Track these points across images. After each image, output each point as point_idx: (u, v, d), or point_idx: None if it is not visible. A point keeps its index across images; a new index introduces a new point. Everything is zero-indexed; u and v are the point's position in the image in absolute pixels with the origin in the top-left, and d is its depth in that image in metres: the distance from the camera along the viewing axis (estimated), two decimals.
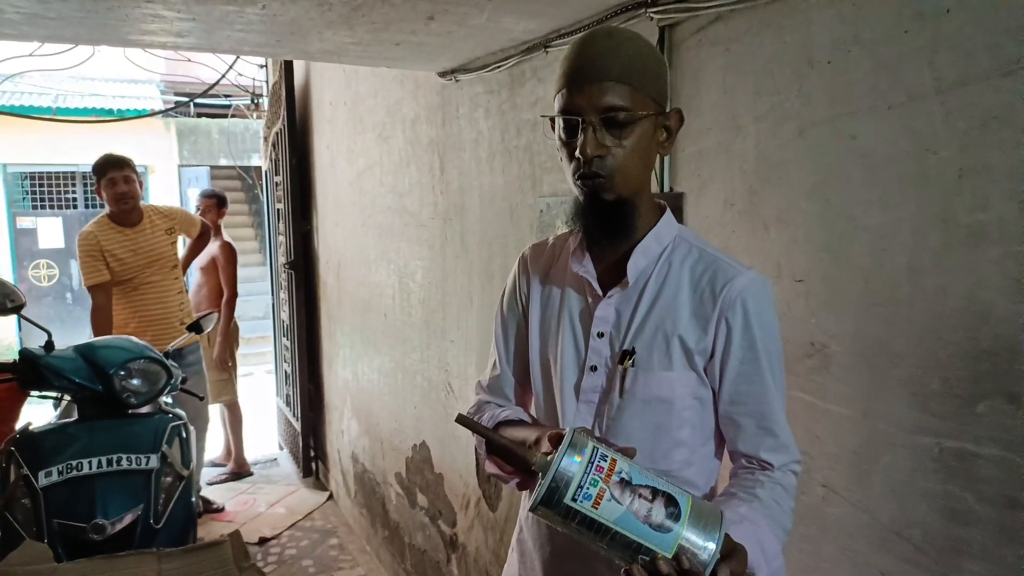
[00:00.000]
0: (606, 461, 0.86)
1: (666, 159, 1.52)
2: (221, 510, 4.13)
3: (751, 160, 1.37)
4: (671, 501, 0.85)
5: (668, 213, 1.16)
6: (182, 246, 4.07)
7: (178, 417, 2.40)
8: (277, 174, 4.85)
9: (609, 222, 1.10)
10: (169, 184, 10.35)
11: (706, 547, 0.83)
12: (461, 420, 1.02)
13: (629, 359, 1.09)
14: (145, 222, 3.56)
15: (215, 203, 4.64)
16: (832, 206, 1.22)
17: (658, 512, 0.84)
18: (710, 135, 1.45)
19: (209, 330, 3.07)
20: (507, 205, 2.22)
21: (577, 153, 1.05)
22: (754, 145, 1.36)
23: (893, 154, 1.13)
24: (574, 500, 0.84)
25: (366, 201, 3.49)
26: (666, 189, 1.52)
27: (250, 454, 4.84)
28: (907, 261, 1.11)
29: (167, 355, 2.48)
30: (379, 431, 3.46)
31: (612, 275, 1.14)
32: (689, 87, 1.49)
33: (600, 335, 1.13)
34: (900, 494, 1.13)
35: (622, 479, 0.85)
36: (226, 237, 4.61)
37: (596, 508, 0.84)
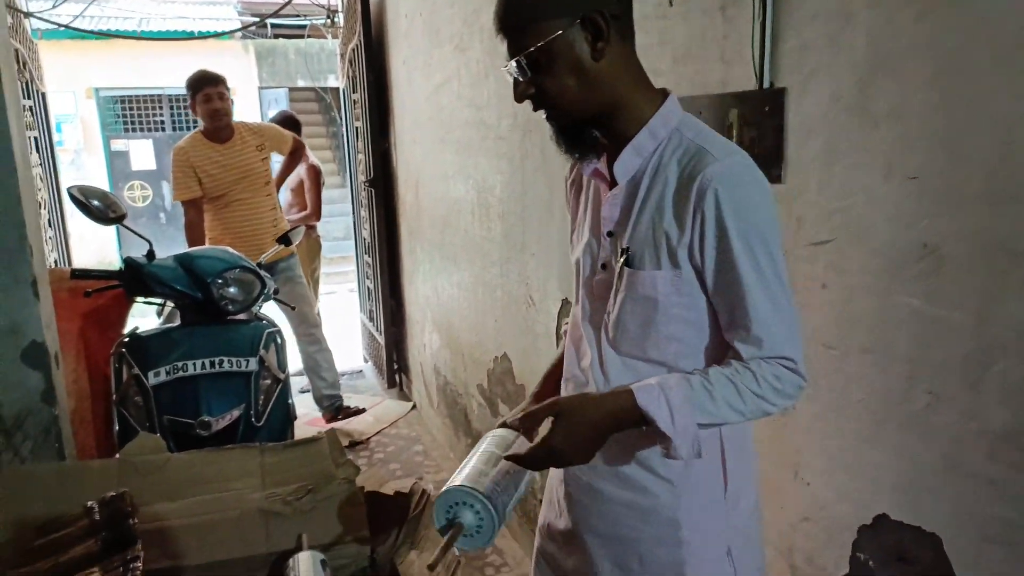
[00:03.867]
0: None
1: (766, 53, 1.43)
2: (362, 411, 4.28)
3: (861, 50, 1.27)
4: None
5: (667, 104, 1.10)
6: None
7: (272, 324, 2.50)
8: (355, 91, 4.85)
9: (576, 143, 1.12)
10: (250, 106, 10.54)
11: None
12: None
13: (625, 257, 1.10)
14: (236, 138, 3.63)
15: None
16: (952, 97, 1.13)
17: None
18: (815, 24, 1.35)
19: (298, 243, 3.14)
20: None
21: None
22: (865, 33, 1.26)
23: None
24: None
25: (444, 116, 3.46)
26: (765, 85, 1.44)
27: (337, 366, 5.03)
28: None
29: (260, 267, 2.57)
30: (460, 344, 3.53)
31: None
32: None
33: (610, 234, 1.14)
34: (1014, 401, 1.08)
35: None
36: (312, 160, 4.67)
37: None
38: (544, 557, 1.37)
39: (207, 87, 3.51)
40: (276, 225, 3.78)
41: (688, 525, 1.13)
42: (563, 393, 1.28)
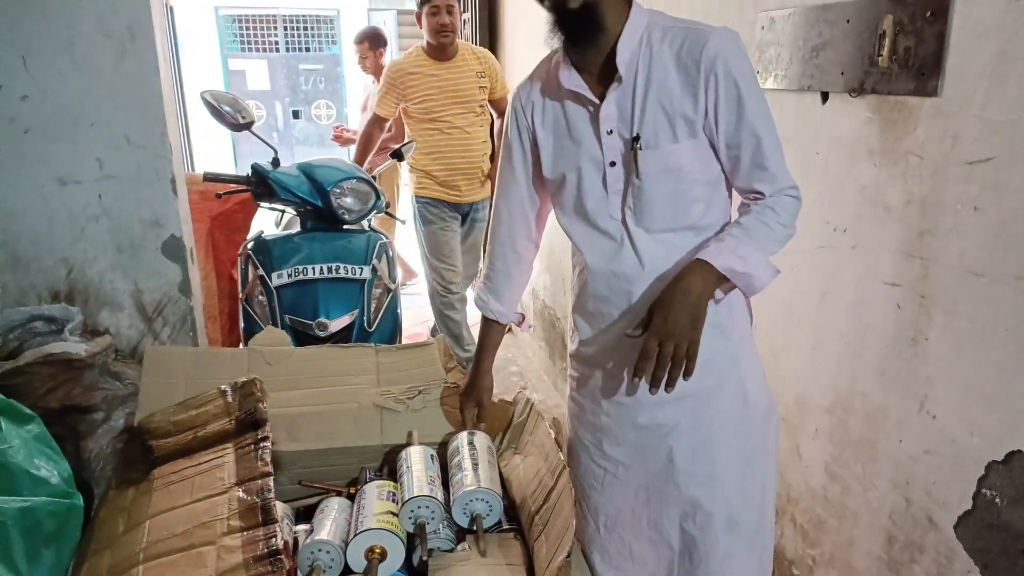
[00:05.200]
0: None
1: None
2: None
3: None
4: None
5: (635, 3, 1.24)
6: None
7: (384, 236, 2.58)
8: (465, 10, 4.79)
9: (582, 27, 1.22)
10: (359, 27, 10.57)
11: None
12: None
13: (638, 143, 1.23)
14: (458, 58, 3.39)
15: (367, 47, 4.19)
16: None
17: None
18: None
19: (410, 157, 3.15)
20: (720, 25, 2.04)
21: None
22: None
23: None
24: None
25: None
26: None
27: None
28: None
29: (375, 179, 2.63)
30: (561, 268, 3.54)
31: (600, 78, 1.26)
32: None
33: (610, 132, 1.27)
34: None
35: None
36: None
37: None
38: (591, 441, 1.47)
39: None
40: (486, 158, 3.50)
41: (737, 342, 1.35)
42: (598, 282, 1.37)
